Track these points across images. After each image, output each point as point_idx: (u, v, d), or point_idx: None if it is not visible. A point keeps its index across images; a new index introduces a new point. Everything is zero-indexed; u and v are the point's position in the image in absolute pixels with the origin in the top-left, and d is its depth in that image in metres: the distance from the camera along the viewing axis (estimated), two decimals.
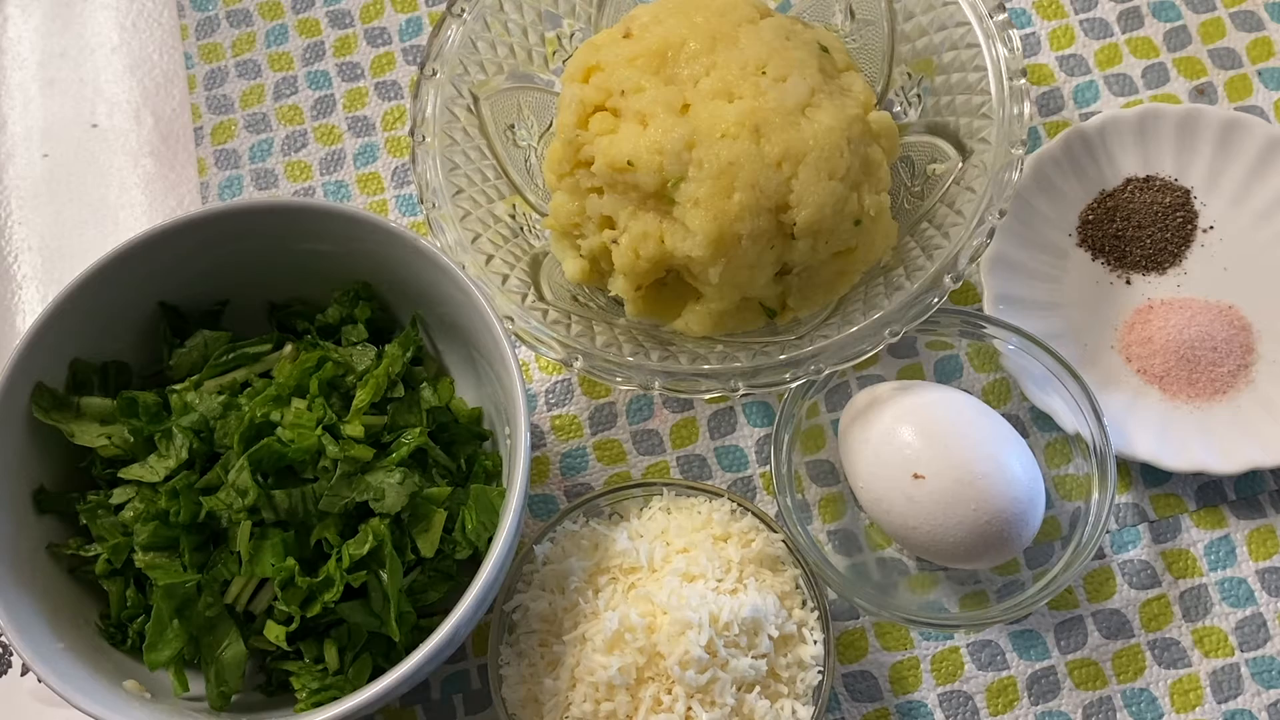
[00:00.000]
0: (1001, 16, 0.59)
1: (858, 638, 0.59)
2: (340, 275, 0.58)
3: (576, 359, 0.56)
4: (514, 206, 0.62)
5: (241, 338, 0.58)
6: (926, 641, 0.59)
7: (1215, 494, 0.61)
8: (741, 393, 0.55)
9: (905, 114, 0.63)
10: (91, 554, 0.54)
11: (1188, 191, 0.66)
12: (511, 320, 0.57)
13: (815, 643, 0.53)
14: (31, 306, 0.71)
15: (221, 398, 0.54)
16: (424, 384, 0.57)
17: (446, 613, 0.48)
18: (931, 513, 0.54)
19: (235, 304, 0.60)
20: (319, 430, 0.52)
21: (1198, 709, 0.57)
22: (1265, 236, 0.64)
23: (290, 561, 0.50)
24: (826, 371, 0.55)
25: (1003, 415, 0.57)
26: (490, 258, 0.59)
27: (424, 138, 0.60)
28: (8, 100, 0.76)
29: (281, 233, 0.56)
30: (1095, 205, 0.66)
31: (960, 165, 0.59)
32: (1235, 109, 0.69)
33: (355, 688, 0.50)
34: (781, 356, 0.55)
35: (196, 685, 0.52)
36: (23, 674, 0.62)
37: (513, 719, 0.52)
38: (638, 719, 0.50)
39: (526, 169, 0.64)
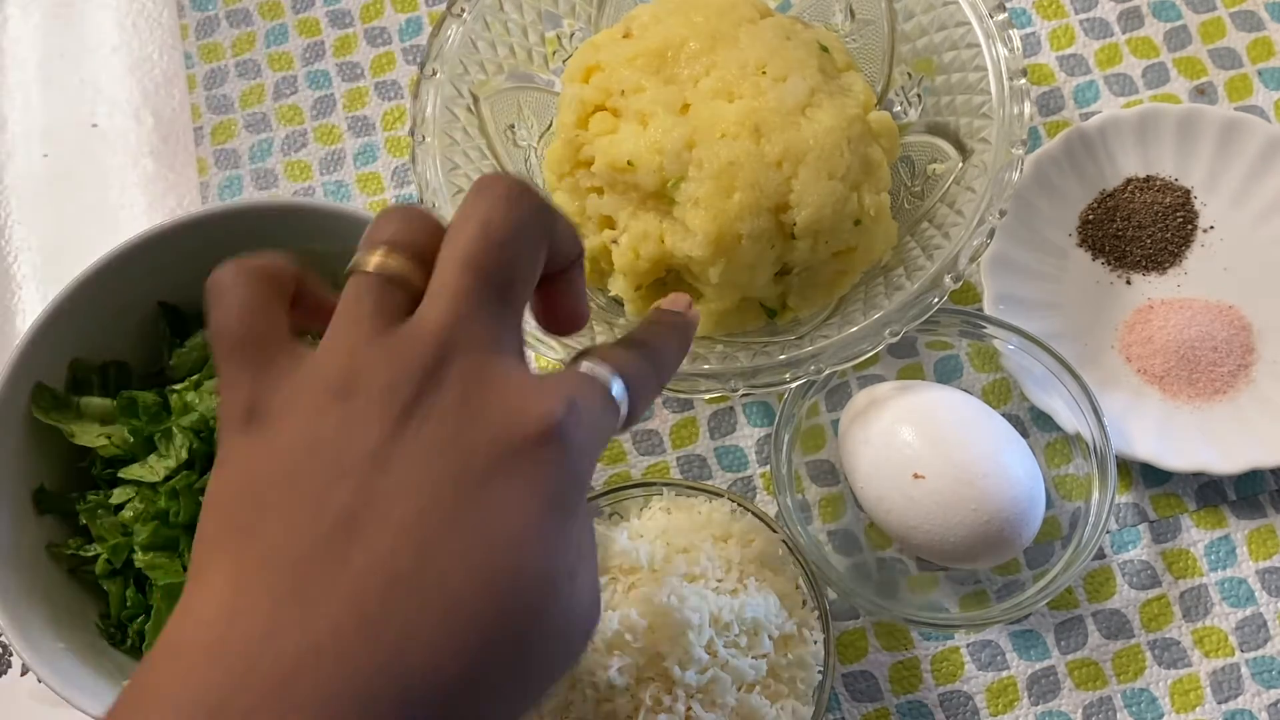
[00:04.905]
0: (1001, 16, 0.59)
1: (858, 638, 0.59)
2: (340, 275, 0.58)
3: None
4: None
5: None
6: (926, 641, 0.59)
7: (1215, 494, 0.61)
8: (741, 393, 0.55)
9: (905, 114, 0.63)
10: (91, 554, 0.54)
11: (1188, 191, 0.66)
12: None
13: (815, 643, 0.53)
14: (31, 306, 0.70)
15: None
16: None
17: None
18: (931, 513, 0.54)
19: None
20: None
21: (1198, 709, 0.57)
22: (1265, 236, 0.64)
23: None
24: (826, 371, 0.55)
25: (1003, 415, 0.57)
26: None
27: (424, 138, 0.60)
28: (8, 100, 0.76)
29: (281, 233, 0.56)
30: (1095, 205, 0.66)
31: (960, 165, 0.59)
32: (1235, 109, 0.68)
33: None
34: (781, 356, 0.55)
35: None
36: (23, 674, 0.62)
37: None
38: (638, 719, 0.50)
39: (526, 169, 0.64)
